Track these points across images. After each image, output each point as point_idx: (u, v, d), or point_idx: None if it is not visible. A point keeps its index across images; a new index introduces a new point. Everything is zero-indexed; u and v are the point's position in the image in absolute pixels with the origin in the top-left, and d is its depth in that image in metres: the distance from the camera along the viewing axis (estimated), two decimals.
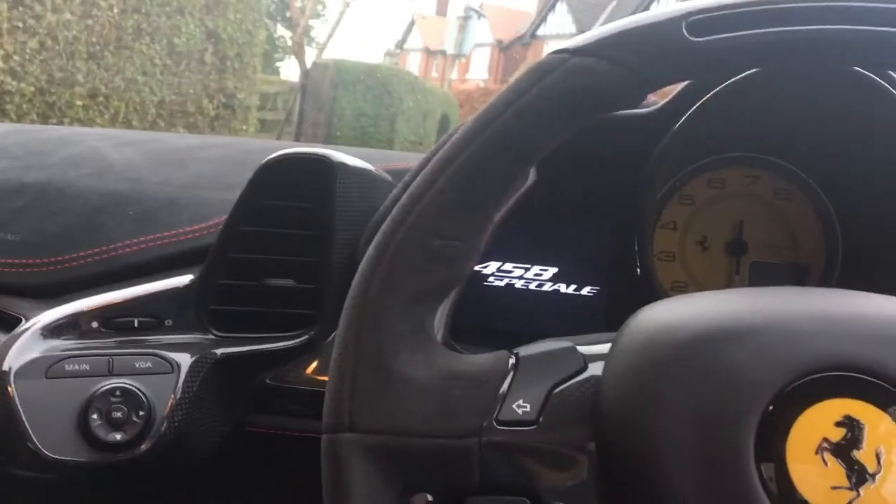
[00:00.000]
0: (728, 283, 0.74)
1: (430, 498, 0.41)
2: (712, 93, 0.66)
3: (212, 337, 0.66)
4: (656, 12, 0.44)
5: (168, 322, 0.65)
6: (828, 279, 0.72)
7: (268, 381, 0.67)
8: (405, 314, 0.42)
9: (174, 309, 0.66)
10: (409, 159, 0.86)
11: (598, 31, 0.44)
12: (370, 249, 0.43)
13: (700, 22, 0.42)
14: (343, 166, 0.66)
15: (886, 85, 0.60)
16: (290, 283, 0.67)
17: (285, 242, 0.66)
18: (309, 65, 9.59)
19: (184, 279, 0.67)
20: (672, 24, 0.42)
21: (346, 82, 8.73)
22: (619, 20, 0.45)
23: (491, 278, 0.76)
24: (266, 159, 0.66)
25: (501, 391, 0.41)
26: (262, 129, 8.51)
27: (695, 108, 0.67)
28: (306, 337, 0.66)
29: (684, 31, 0.42)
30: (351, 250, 0.67)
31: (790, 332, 0.38)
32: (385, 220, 0.44)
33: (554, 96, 0.43)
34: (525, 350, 0.43)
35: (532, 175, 0.54)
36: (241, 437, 0.67)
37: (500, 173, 0.44)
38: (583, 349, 0.43)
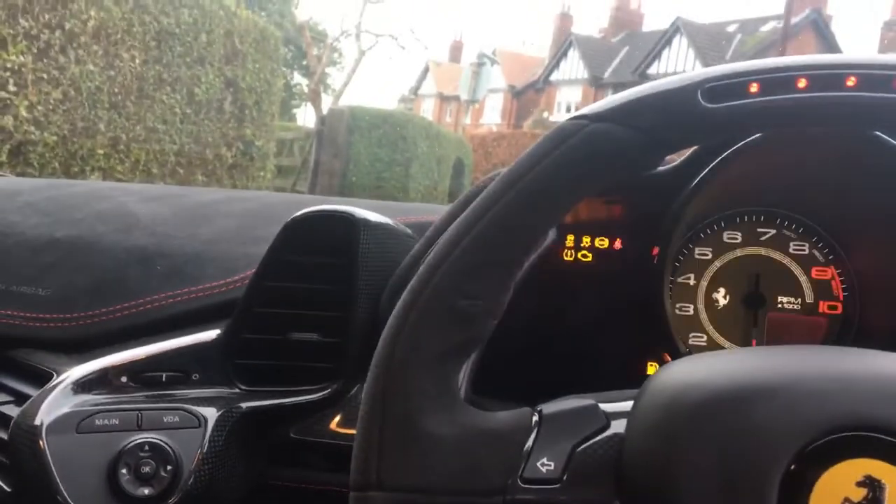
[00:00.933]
0: (746, 336, 0.74)
1: None
2: (728, 151, 0.67)
3: (237, 391, 0.67)
4: (672, 79, 0.46)
5: (195, 376, 0.67)
6: (845, 332, 0.72)
7: (292, 434, 0.68)
8: (430, 373, 0.43)
9: (201, 363, 0.67)
10: (430, 211, 0.88)
11: (616, 97, 0.46)
12: (396, 309, 0.45)
13: (715, 89, 0.44)
14: (366, 223, 0.68)
15: None
16: (315, 337, 0.68)
17: (310, 297, 0.68)
18: (325, 111, 9.72)
19: (211, 334, 0.69)
20: (688, 91, 0.44)
21: (361, 128, 8.85)
22: (636, 87, 0.46)
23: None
24: (292, 217, 0.68)
25: (525, 449, 0.42)
26: (278, 175, 8.60)
27: (710, 166, 0.68)
28: (329, 390, 0.67)
29: (699, 97, 0.44)
30: (374, 305, 0.68)
31: (810, 391, 0.38)
32: (407, 276, 0.46)
33: (574, 160, 0.45)
34: (548, 408, 0.44)
35: (552, 233, 0.55)
36: (264, 490, 0.68)
37: (523, 234, 0.45)
38: (605, 407, 0.44)
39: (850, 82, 0.43)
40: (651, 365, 0.76)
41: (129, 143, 5.22)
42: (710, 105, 0.44)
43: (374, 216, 0.70)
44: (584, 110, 0.46)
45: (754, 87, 0.44)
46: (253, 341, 0.68)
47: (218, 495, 0.63)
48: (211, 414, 0.63)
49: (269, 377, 0.68)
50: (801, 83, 0.43)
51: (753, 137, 0.66)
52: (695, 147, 0.71)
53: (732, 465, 0.38)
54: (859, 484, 0.36)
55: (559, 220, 0.47)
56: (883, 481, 0.36)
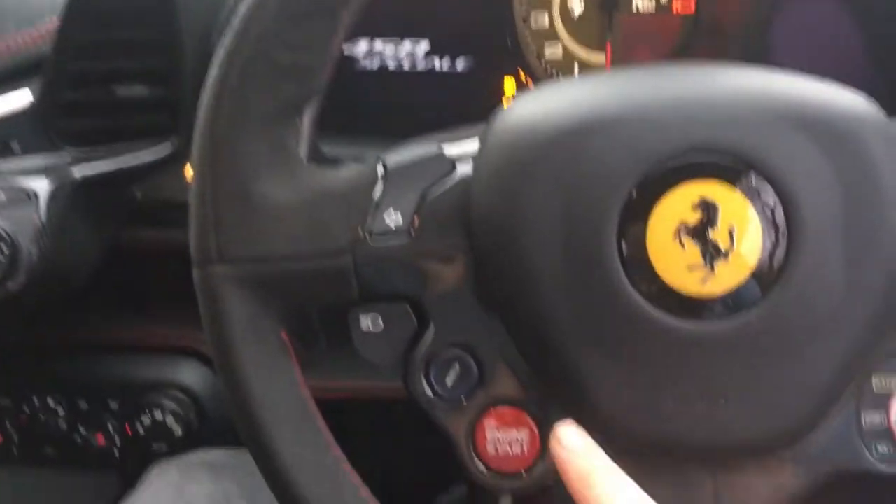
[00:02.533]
0: (601, 42, 0.72)
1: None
2: None
3: (69, 157, 0.61)
4: None
5: (15, 146, 0.60)
6: (699, 32, 0.71)
7: (139, 194, 0.64)
8: (262, 135, 0.40)
9: (18, 130, 0.61)
10: None
11: None
12: (214, 70, 0.40)
13: None
14: None
15: None
16: (142, 89, 0.61)
17: (129, 46, 0.60)
18: None
19: (22, 96, 0.61)
20: None
21: None
22: None
23: (363, 62, 0.73)
24: None
25: (372, 203, 0.41)
26: None
27: None
28: (171, 145, 0.62)
29: None
30: (204, 46, 0.62)
31: (647, 118, 0.38)
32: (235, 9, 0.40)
33: None
34: (392, 158, 0.42)
35: None
36: (119, 255, 0.65)
37: None
38: (450, 150, 0.42)
39: None
40: (508, 78, 0.74)
41: None
42: None
43: None
44: None
45: None
46: (73, 100, 0.61)
47: (67, 269, 0.60)
48: (42, 186, 0.58)
49: (99, 137, 0.62)
50: None
51: None
52: None
53: (574, 200, 0.38)
54: (694, 207, 0.37)
55: None
56: (716, 201, 0.37)
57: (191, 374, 0.72)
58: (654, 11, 0.71)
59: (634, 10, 0.71)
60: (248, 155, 0.39)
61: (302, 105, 0.42)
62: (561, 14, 0.72)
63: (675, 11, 0.71)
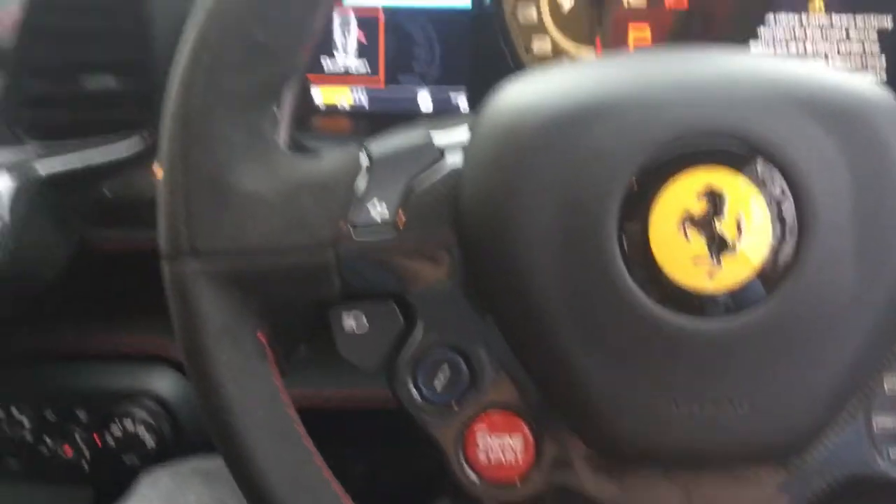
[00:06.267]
0: (591, 37, 0.70)
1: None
2: None
3: (33, 153, 0.58)
4: None
5: None
6: (691, 26, 0.69)
7: (107, 192, 0.61)
8: (236, 121, 0.37)
9: None
10: None
11: None
12: (184, 50, 0.37)
13: None
14: None
15: None
16: (111, 81, 0.58)
17: (98, 36, 0.57)
18: None
19: None
20: None
21: None
22: None
23: None
24: None
25: (355, 195, 0.38)
26: None
27: None
28: (141, 141, 0.59)
29: None
30: (176, 34, 0.59)
31: (647, 104, 0.36)
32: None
33: None
34: (377, 146, 0.40)
35: None
36: (87, 257, 0.62)
37: None
38: (439, 139, 0.40)
39: None
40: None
41: None
42: None
43: None
44: None
45: None
46: (38, 93, 0.58)
47: (32, 271, 0.57)
48: (5, 184, 0.55)
49: (66, 132, 0.59)
50: None
51: None
52: None
53: (571, 191, 0.35)
54: (699, 196, 0.35)
55: None
56: (723, 190, 0.35)
57: (163, 383, 0.69)
58: (645, 5, 0.69)
59: (625, 4, 0.69)
60: (221, 141, 0.37)
61: (279, 88, 0.39)
62: (550, 7, 0.70)
63: (667, 6, 0.69)
